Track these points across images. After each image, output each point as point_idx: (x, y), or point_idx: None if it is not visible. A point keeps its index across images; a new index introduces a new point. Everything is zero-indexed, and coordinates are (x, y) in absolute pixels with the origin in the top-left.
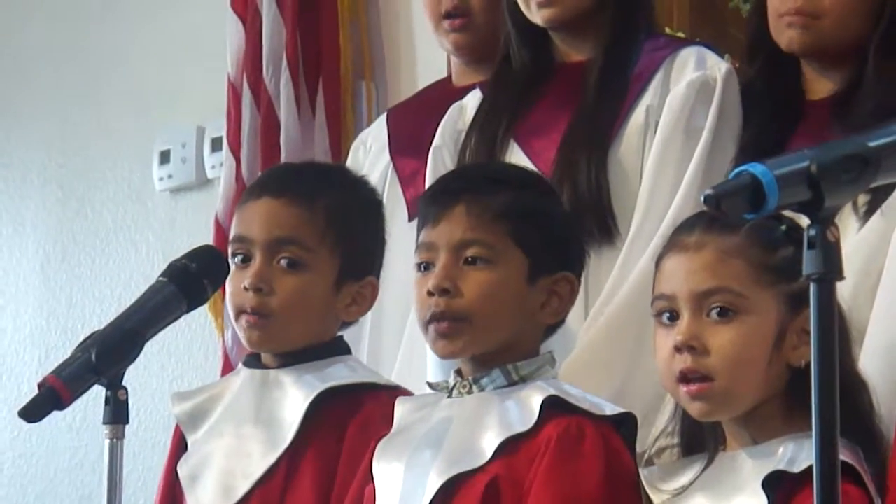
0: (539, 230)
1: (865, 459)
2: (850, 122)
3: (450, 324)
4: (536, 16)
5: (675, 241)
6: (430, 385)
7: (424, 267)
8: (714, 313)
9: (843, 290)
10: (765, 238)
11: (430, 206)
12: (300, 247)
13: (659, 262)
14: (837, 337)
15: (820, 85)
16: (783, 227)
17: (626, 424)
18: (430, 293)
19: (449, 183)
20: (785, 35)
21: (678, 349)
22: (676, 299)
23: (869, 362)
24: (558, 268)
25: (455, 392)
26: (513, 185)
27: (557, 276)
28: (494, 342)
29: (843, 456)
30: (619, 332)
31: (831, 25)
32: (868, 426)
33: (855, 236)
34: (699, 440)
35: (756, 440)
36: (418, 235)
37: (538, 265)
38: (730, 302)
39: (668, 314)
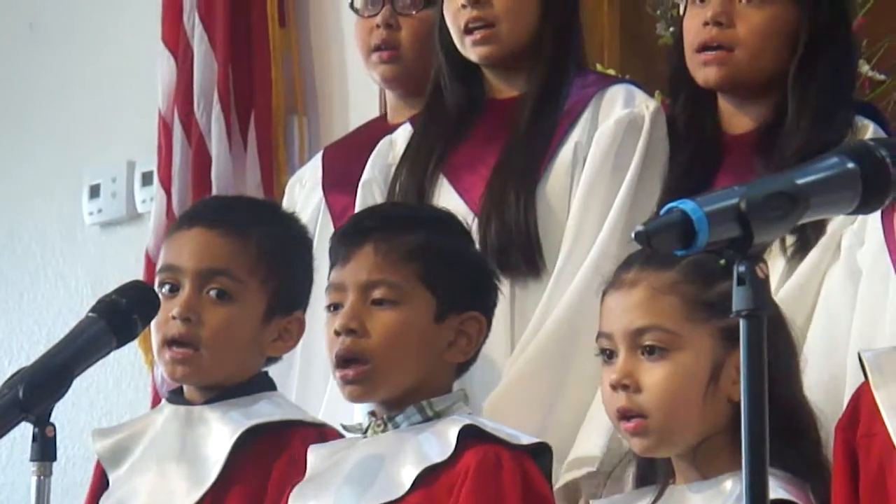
0: (447, 270)
1: (814, 493)
2: (775, 159)
3: (355, 369)
4: (471, 52)
5: (616, 277)
6: (345, 427)
7: (334, 307)
8: (647, 351)
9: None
10: (701, 273)
11: (340, 245)
12: (231, 278)
13: (602, 298)
14: (783, 369)
15: (739, 120)
16: (721, 261)
17: (541, 454)
18: (337, 333)
19: (358, 223)
20: (701, 72)
21: (614, 387)
22: (613, 337)
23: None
24: (466, 307)
25: (370, 431)
26: (422, 225)
27: (465, 316)
28: (402, 383)
29: (788, 492)
30: (542, 367)
31: (746, 57)
32: (816, 460)
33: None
34: (652, 472)
35: (705, 475)
36: (329, 275)
37: (446, 304)
38: (661, 339)
39: (608, 352)
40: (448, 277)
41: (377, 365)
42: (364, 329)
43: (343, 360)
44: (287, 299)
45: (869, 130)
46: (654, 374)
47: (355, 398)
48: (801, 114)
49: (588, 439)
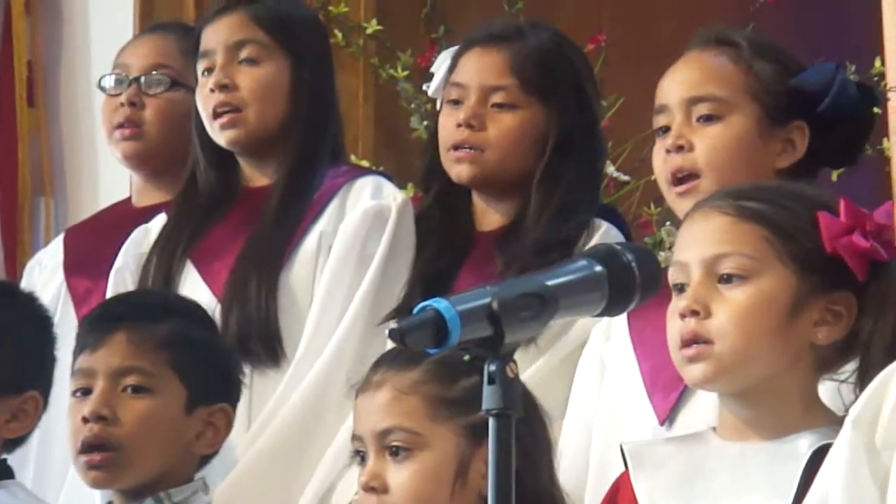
0: (199, 361)
1: None
2: (511, 255)
3: (101, 455)
4: (219, 136)
5: (366, 378)
6: None
7: (82, 393)
8: (392, 452)
9: None
10: (444, 371)
11: (89, 331)
12: None
13: (355, 400)
14: (534, 461)
15: (489, 217)
16: (466, 358)
17: None
18: (85, 419)
19: (109, 309)
20: (454, 169)
21: (365, 489)
22: (363, 440)
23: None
24: (216, 399)
25: None
26: (174, 314)
27: (214, 408)
28: (147, 473)
29: None
30: (274, 458)
31: (496, 158)
32: None
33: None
34: None
35: None
36: (75, 361)
37: (196, 395)
38: (404, 440)
39: (361, 454)
40: (199, 368)
41: (125, 453)
42: (115, 416)
43: (89, 447)
44: (14, 378)
45: (602, 229)
46: (399, 476)
47: (98, 485)
48: (543, 211)
49: None
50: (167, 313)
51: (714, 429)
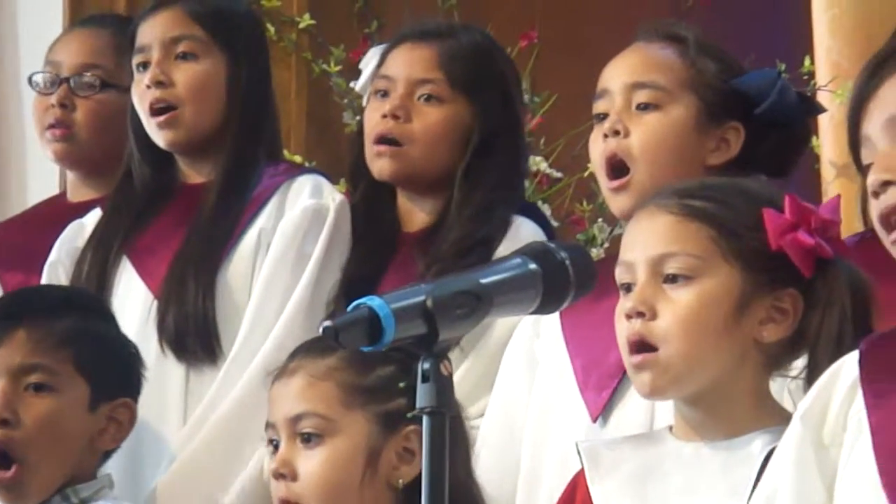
0: (100, 356)
1: None
2: (431, 257)
3: (10, 474)
4: (157, 136)
5: (282, 366)
6: None
7: None
8: (304, 439)
9: None
10: (358, 359)
11: None
12: None
13: (270, 388)
14: (460, 455)
15: (414, 217)
16: None
17: None
18: None
19: (7, 306)
20: (376, 164)
21: (275, 477)
22: (276, 427)
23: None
24: (118, 394)
25: None
26: (74, 310)
27: (117, 403)
28: (55, 479)
29: None
30: (213, 454)
31: (418, 153)
32: None
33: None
34: None
35: None
36: None
37: (99, 392)
38: (316, 426)
39: (274, 442)
40: (102, 363)
41: (30, 462)
42: (17, 418)
43: None
44: None
45: (515, 223)
46: (309, 462)
47: (10, 502)
48: (463, 209)
49: None
50: (67, 308)
51: (671, 427)
